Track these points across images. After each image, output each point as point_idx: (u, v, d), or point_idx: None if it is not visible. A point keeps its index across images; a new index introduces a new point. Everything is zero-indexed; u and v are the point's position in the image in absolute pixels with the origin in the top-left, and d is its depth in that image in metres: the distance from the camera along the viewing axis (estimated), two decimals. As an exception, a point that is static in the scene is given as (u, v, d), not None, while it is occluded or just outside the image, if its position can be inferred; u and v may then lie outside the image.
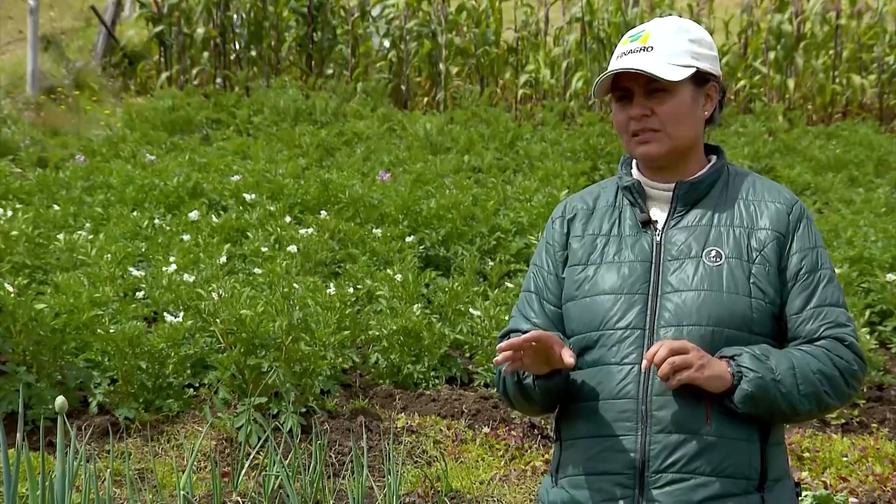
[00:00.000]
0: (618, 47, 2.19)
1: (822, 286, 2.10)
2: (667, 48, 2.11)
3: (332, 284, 5.83)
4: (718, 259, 2.09)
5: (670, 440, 2.02)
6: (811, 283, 2.10)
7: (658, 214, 2.19)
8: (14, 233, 6.29)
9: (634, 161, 2.26)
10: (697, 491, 2.01)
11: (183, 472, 4.20)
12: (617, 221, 2.21)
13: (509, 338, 2.25)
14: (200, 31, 13.39)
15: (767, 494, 2.05)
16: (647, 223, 2.17)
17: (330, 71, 13.64)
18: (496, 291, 6.36)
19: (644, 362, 1.99)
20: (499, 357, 2.01)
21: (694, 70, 2.12)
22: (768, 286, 2.08)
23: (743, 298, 2.06)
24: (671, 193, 2.17)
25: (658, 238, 2.15)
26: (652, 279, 2.11)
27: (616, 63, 2.14)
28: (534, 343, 2.00)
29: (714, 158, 2.23)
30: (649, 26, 2.17)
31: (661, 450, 2.02)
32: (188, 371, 5.21)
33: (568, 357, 2.00)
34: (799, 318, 2.09)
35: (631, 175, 2.24)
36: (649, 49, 2.11)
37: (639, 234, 2.16)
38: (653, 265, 2.12)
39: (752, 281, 2.07)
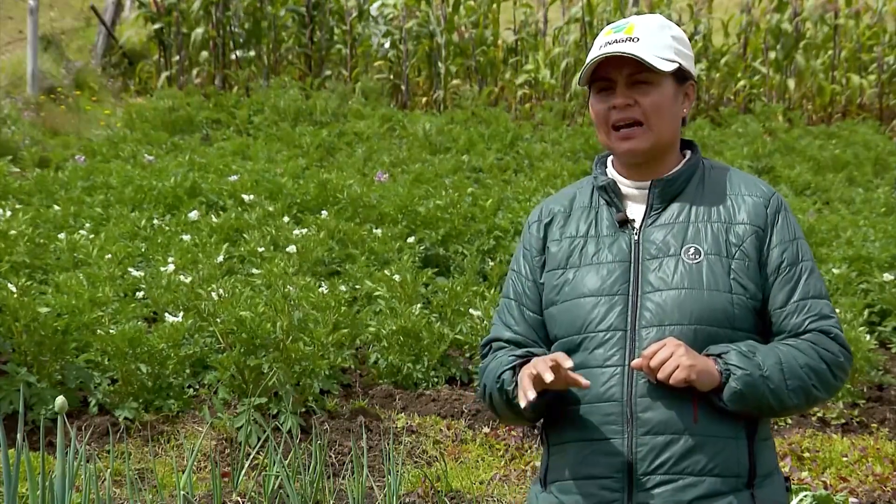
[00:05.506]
0: (599, 37, 2.15)
1: (804, 279, 2.09)
2: (652, 41, 2.10)
3: (324, 284, 5.82)
4: (698, 256, 2.07)
5: (657, 441, 2.00)
6: (793, 276, 2.08)
7: (635, 213, 2.16)
8: (12, 232, 6.29)
9: (609, 160, 2.24)
10: (687, 491, 1.99)
11: (183, 472, 4.20)
12: (594, 222, 2.18)
13: (491, 347, 2.24)
14: (199, 30, 13.39)
15: (757, 491, 2.03)
16: (625, 222, 2.14)
17: (328, 71, 13.63)
18: (496, 291, 6.35)
19: (639, 360, 1.98)
20: (530, 395, 1.96)
21: (678, 65, 2.11)
22: (748, 281, 2.06)
23: (724, 295, 2.04)
24: (647, 191, 2.15)
25: (636, 237, 2.13)
26: (631, 279, 2.09)
27: (603, 50, 2.10)
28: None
29: (689, 154, 2.21)
30: (633, 20, 2.15)
31: (649, 451, 2.01)
32: (188, 371, 5.21)
33: (582, 380, 1.97)
34: (783, 312, 2.08)
35: (606, 174, 2.22)
36: (635, 40, 2.09)
37: (616, 234, 2.14)
38: (632, 265, 2.10)
39: (732, 277, 2.06)
